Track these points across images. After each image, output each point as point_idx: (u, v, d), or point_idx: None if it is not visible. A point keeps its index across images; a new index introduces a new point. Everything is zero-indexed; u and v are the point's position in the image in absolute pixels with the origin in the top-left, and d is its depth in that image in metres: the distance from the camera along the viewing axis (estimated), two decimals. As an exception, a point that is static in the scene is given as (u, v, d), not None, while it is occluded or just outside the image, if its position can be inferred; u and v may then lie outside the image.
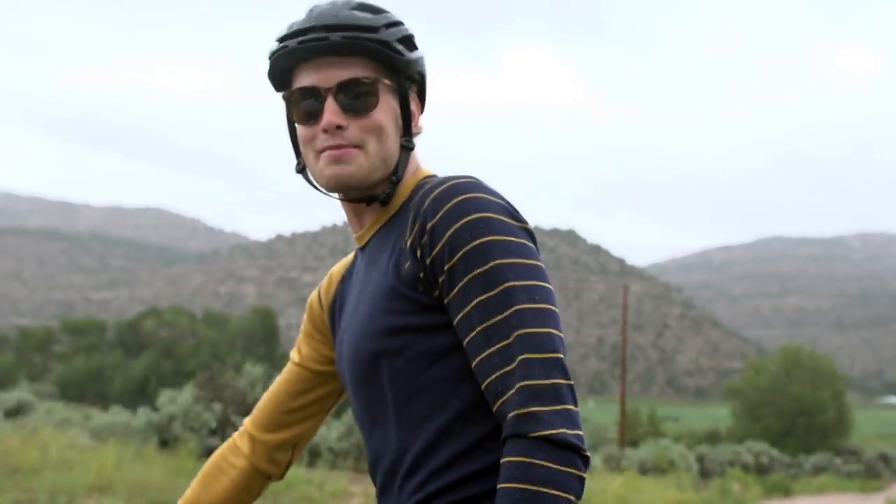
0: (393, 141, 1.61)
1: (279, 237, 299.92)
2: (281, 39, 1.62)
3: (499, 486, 1.39)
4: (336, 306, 1.79)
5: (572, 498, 1.38)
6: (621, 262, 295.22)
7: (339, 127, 1.57)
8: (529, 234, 1.53)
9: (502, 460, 1.40)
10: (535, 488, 1.36)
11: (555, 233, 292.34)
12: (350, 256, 1.81)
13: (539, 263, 1.49)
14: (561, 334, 1.46)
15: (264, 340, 76.78)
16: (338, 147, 1.58)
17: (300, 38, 1.59)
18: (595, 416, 73.66)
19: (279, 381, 1.89)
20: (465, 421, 1.51)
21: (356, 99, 1.58)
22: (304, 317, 1.88)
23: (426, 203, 1.51)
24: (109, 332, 75.44)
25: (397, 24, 1.63)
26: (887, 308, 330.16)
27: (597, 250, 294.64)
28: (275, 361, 77.51)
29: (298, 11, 1.56)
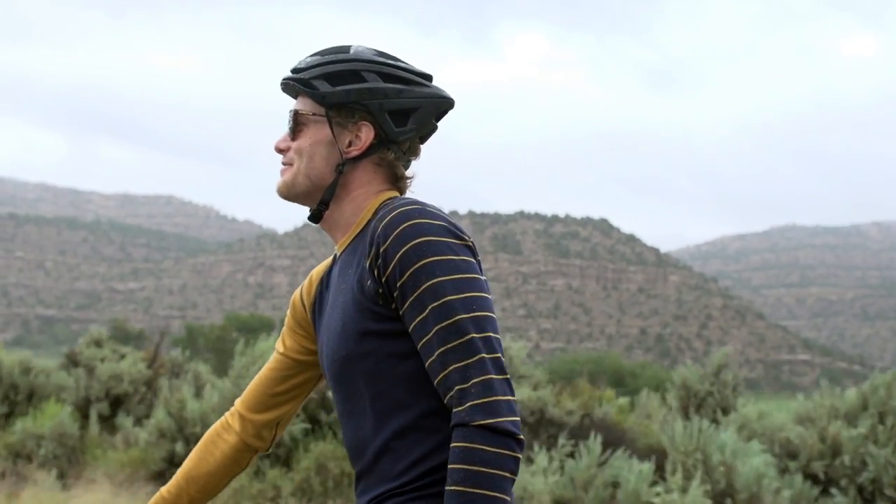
0: (319, 163, 1.94)
1: (307, 226, 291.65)
2: None
3: (448, 466, 1.70)
4: (316, 306, 2.05)
5: (507, 475, 1.69)
6: (656, 251, 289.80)
7: (280, 150, 1.99)
8: (470, 249, 1.84)
9: (451, 445, 1.71)
10: (475, 468, 1.67)
11: (587, 221, 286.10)
12: (328, 260, 2.08)
13: (477, 276, 1.80)
14: (498, 336, 1.78)
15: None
16: (283, 164, 2.00)
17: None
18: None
19: (266, 368, 2.14)
20: (435, 416, 1.80)
21: (291, 127, 1.97)
22: (288, 312, 2.13)
23: (379, 229, 1.81)
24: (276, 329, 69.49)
25: (331, 63, 1.93)
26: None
27: (632, 240, 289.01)
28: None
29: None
